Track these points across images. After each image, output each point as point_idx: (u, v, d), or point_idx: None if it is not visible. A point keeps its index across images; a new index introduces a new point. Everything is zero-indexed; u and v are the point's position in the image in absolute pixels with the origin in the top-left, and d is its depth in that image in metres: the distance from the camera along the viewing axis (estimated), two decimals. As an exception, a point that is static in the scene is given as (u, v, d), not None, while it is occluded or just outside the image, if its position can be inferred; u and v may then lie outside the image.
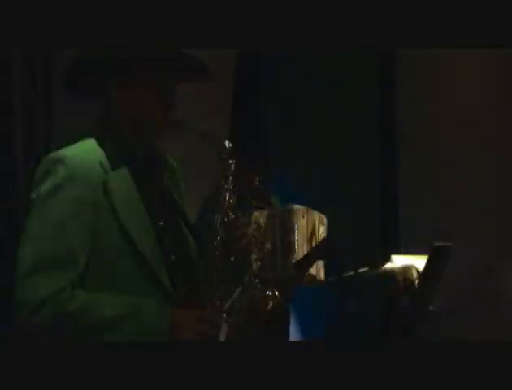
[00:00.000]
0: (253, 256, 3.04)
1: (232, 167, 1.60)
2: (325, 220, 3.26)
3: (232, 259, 1.59)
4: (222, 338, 1.48)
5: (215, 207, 1.60)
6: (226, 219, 1.58)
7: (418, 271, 3.08)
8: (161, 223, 1.58)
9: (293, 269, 2.82)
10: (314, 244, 3.11)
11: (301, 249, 3.02)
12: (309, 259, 2.82)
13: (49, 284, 1.41)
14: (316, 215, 3.19)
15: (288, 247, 3.01)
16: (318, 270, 3.07)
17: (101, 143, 1.56)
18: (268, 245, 3.02)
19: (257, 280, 2.55)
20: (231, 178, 1.60)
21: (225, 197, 1.59)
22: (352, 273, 2.93)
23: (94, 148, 1.55)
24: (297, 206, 3.11)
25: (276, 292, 1.60)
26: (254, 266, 2.85)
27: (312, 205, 3.26)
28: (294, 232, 3.03)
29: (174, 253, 1.58)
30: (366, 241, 4.26)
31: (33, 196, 1.50)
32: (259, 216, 3.17)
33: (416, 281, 2.99)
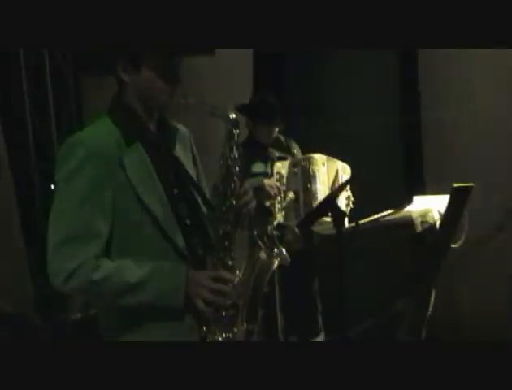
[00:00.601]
0: (277, 205, 3.17)
1: (236, 137, 1.68)
2: (348, 169, 3.33)
3: (239, 224, 1.68)
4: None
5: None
6: (232, 187, 1.67)
7: (439, 212, 3.16)
8: (175, 192, 1.70)
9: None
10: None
11: (322, 196, 3.11)
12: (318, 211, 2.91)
13: (76, 257, 1.56)
14: (338, 164, 3.26)
15: (310, 194, 3.11)
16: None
17: (115, 122, 1.67)
18: (291, 194, 3.12)
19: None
20: (235, 147, 1.68)
21: (229, 166, 1.68)
22: (369, 219, 3.03)
23: (110, 127, 1.67)
24: (317, 155, 3.19)
25: (283, 251, 1.70)
26: (278, 215, 2.98)
27: (335, 153, 3.32)
28: (315, 180, 3.12)
29: (189, 219, 1.70)
30: (391, 183, 4.31)
31: (57, 177, 1.64)
32: (281, 166, 3.27)
33: (437, 222, 3.07)
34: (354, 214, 3.24)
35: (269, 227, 2.72)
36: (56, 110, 5.10)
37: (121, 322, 1.64)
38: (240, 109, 3.43)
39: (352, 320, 3.48)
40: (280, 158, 3.35)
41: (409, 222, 2.78)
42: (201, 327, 1.61)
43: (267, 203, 3.13)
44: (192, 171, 1.80)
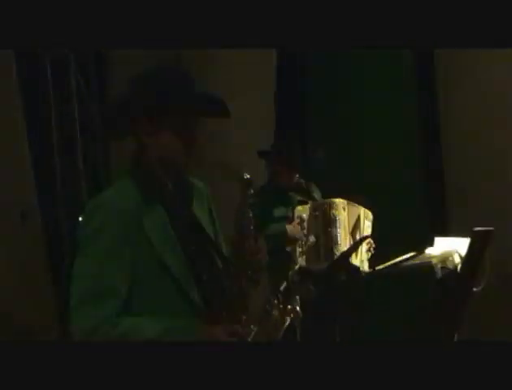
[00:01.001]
0: (298, 249, 3.21)
1: (250, 197, 1.75)
2: (371, 216, 3.36)
3: (253, 280, 1.74)
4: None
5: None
6: (247, 245, 1.73)
7: (459, 255, 3.16)
8: (192, 248, 1.76)
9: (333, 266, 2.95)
10: (357, 236, 3.23)
11: (343, 241, 3.15)
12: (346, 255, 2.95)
13: (97, 314, 1.63)
14: (360, 209, 3.29)
15: (330, 239, 3.14)
16: (362, 262, 3.19)
17: (135, 183, 1.75)
18: (312, 238, 3.16)
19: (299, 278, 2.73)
20: (249, 206, 1.75)
21: (243, 225, 1.74)
22: (389, 265, 3.05)
23: (130, 188, 1.74)
24: (337, 199, 3.23)
25: (297, 307, 1.74)
26: (300, 258, 3.02)
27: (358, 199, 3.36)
28: (335, 224, 3.16)
29: (205, 274, 1.76)
30: (413, 224, 4.32)
31: (79, 237, 1.73)
32: (302, 210, 3.32)
33: (458, 265, 3.07)
34: (378, 255, 3.28)
35: (291, 273, 2.76)
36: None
37: None
38: (261, 154, 3.54)
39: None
40: (301, 202, 3.40)
41: (428, 268, 2.80)
42: None
43: (288, 248, 3.18)
44: (209, 227, 1.87)
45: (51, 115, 4.65)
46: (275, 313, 1.71)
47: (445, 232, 3.75)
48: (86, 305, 1.64)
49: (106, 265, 1.66)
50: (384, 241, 3.54)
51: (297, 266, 2.86)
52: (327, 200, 3.28)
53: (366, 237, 3.11)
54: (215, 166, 1.80)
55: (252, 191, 1.75)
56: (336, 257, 3.13)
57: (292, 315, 1.74)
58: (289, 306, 1.75)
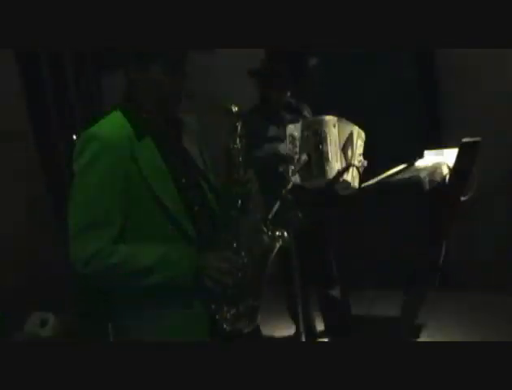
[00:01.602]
0: (291, 167, 3.27)
1: (239, 129, 1.81)
2: (363, 135, 3.39)
3: (243, 210, 1.82)
4: None
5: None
6: (236, 176, 1.81)
7: (448, 167, 3.24)
8: (183, 181, 1.84)
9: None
10: (348, 152, 3.28)
11: (334, 157, 3.19)
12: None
13: (94, 243, 1.71)
14: (352, 127, 3.31)
15: (321, 156, 3.19)
16: (353, 178, 3.27)
17: (127, 117, 1.81)
18: (304, 156, 3.21)
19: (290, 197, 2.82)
20: (238, 138, 1.81)
21: (233, 156, 1.81)
22: (379, 179, 3.13)
23: (122, 122, 1.80)
24: (327, 117, 3.24)
25: (285, 233, 1.84)
26: (292, 177, 3.09)
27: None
28: (326, 141, 3.19)
29: (197, 205, 1.85)
30: (405, 137, 4.35)
31: (74, 168, 1.78)
32: (293, 129, 3.34)
33: (445, 179, 3.16)
34: (370, 167, 3.35)
35: (284, 191, 2.83)
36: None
37: (133, 311, 1.80)
38: (252, 73, 3.52)
39: (368, 269, 3.68)
40: (292, 121, 3.42)
41: (417, 183, 2.88)
42: (211, 305, 1.78)
43: (281, 168, 3.24)
44: (198, 159, 1.93)
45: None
46: (265, 239, 1.80)
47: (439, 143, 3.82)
48: (83, 235, 1.71)
49: (102, 194, 1.72)
50: (376, 158, 3.62)
51: (289, 185, 2.91)
52: (318, 117, 3.28)
53: (347, 168, 3.13)
54: (204, 99, 1.82)
55: (240, 122, 1.80)
56: (327, 173, 3.19)
57: (280, 241, 1.83)
58: (278, 232, 1.85)
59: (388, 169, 3.41)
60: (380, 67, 4.48)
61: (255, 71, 3.47)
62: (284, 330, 4.00)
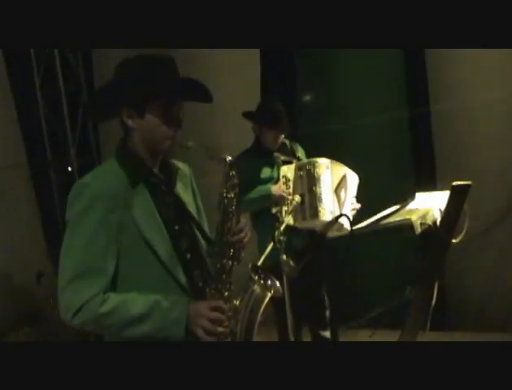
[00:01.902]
0: (284, 208, 3.31)
1: (233, 179, 1.83)
2: (356, 178, 3.43)
3: (235, 258, 1.84)
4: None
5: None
6: (229, 225, 1.82)
7: (440, 210, 3.27)
8: (176, 228, 1.85)
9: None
10: (341, 194, 3.32)
11: (328, 199, 3.24)
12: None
13: (84, 292, 1.71)
14: (345, 169, 3.36)
15: (315, 197, 3.24)
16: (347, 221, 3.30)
17: (121, 165, 1.82)
18: (297, 198, 3.25)
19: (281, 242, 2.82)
20: (231, 188, 1.83)
21: (226, 206, 1.83)
22: (370, 222, 3.16)
23: (116, 170, 1.82)
24: (321, 159, 3.30)
25: (277, 282, 1.85)
26: (286, 217, 3.12)
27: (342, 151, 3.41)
28: (319, 183, 3.24)
29: (189, 253, 1.86)
30: (399, 179, 4.40)
31: (67, 217, 1.80)
32: (287, 170, 3.40)
33: (436, 221, 3.19)
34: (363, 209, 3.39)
35: (276, 233, 2.86)
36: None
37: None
38: (247, 115, 3.57)
39: (362, 310, 3.68)
40: (286, 162, 3.47)
41: (408, 225, 2.90)
42: None
43: (274, 210, 3.27)
44: (192, 208, 1.95)
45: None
46: (257, 289, 1.82)
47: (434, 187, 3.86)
48: (74, 284, 1.72)
49: (93, 245, 1.73)
50: (370, 200, 3.66)
51: (282, 226, 2.94)
52: (311, 159, 3.35)
53: (337, 218, 3.18)
54: (199, 149, 1.84)
55: (234, 172, 1.82)
56: (320, 214, 3.23)
57: (272, 291, 1.85)
58: (269, 281, 1.86)
59: (380, 210, 3.46)
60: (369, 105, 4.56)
61: (250, 112, 3.53)
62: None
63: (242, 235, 1.85)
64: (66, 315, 1.73)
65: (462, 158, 4.29)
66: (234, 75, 4.38)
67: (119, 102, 1.80)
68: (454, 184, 3.16)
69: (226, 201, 1.83)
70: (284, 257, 2.86)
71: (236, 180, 1.83)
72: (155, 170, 1.88)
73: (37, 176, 5.67)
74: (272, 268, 2.89)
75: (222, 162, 1.82)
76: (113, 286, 1.77)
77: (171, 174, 1.92)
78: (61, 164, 5.74)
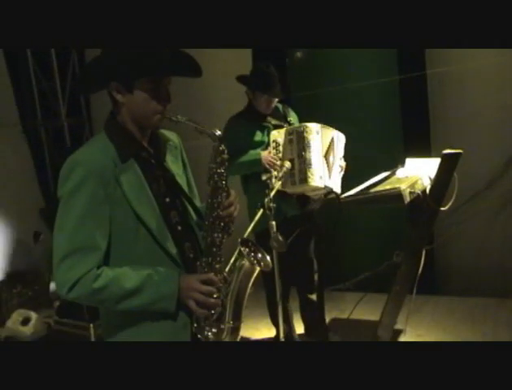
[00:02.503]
0: (274, 173, 3.30)
1: (222, 153, 1.81)
2: (343, 138, 3.42)
3: (225, 232, 1.84)
4: None
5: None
6: (218, 199, 1.82)
7: (429, 178, 3.29)
8: (167, 200, 1.86)
9: None
10: (330, 158, 3.31)
11: (317, 164, 3.23)
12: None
13: (79, 267, 1.73)
14: (333, 132, 3.35)
15: (304, 162, 3.23)
16: (335, 184, 3.32)
17: (111, 140, 1.81)
18: (287, 164, 3.24)
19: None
20: (221, 162, 1.81)
21: (216, 180, 1.82)
22: (360, 189, 3.17)
23: (106, 145, 1.80)
24: (311, 124, 3.27)
25: (267, 256, 1.87)
26: (275, 183, 3.11)
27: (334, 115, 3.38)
28: (309, 148, 3.23)
29: (180, 225, 1.87)
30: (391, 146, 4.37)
31: (59, 194, 1.79)
32: (277, 135, 3.38)
33: (425, 190, 3.21)
34: (353, 174, 3.39)
35: (266, 199, 2.86)
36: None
37: (119, 322, 1.82)
38: (240, 79, 3.52)
39: (350, 273, 3.73)
40: (277, 127, 3.45)
41: (398, 195, 2.92)
42: (193, 324, 1.80)
43: (264, 177, 3.26)
44: (182, 179, 1.95)
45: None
46: (246, 262, 1.83)
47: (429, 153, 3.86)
48: (68, 260, 1.73)
49: (86, 220, 1.73)
50: (359, 162, 3.66)
51: (272, 193, 2.93)
52: (302, 124, 3.32)
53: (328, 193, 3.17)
54: (189, 123, 1.80)
55: (223, 147, 1.81)
56: (309, 179, 3.22)
57: (262, 264, 1.86)
58: (259, 254, 1.87)
59: (371, 176, 3.47)
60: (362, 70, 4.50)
61: (244, 76, 3.48)
62: (265, 332, 4.06)
63: (232, 209, 1.85)
64: (61, 290, 1.75)
65: (455, 122, 4.28)
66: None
67: (108, 77, 1.78)
68: (445, 152, 3.18)
69: (216, 176, 1.82)
70: (274, 223, 2.89)
71: (225, 155, 1.82)
72: (145, 143, 1.87)
73: (29, 136, 5.65)
74: (262, 234, 2.96)
75: (211, 137, 1.81)
76: (106, 260, 1.78)
77: (160, 147, 1.91)
78: (52, 124, 5.70)
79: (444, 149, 3.18)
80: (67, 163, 1.78)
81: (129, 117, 1.81)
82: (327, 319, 3.98)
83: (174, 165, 1.94)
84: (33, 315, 4.31)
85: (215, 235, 1.82)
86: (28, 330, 4.23)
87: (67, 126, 5.72)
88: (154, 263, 1.79)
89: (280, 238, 2.61)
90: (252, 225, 2.81)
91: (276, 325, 3.53)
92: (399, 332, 3.80)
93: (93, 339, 3.94)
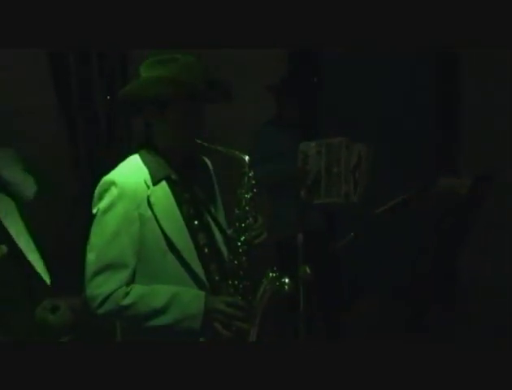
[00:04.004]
0: (302, 185, 3.33)
1: (250, 178, 1.87)
2: (372, 153, 3.43)
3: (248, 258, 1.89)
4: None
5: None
6: (246, 222, 1.88)
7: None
8: (195, 223, 1.91)
9: None
10: (356, 173, 3.33)
11: (343, 179, 3.26)
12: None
13: (108, 284, 1.79)
14: (360, 145, 3.36)
15: (332, 177, 3.26)
16: (359, 198, 3.34)
17: (144, 161, 1.88)
18: (315, 176, 3.27)
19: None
20: (249, 187, 1.87)
21: (244, 205, 1.88)
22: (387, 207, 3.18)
23: (139, 166, 1.87)
24: (340, 138, 3.30)
25: (291, 280, 1.90)
26: (303, 195, 3.15)
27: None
28: (337, 163, 3.26)
29: (207, 247, 1.92)
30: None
31: (94, 211, 1.86)
32: (306, 146, 3.39)
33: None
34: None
35: (293, 211, 2.89)
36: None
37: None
38: (270, 88, 3.55)
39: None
40: (305, 137, 3.47)
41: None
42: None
43: (291, 188, 3.31)
44: (211, 203, 2.00)
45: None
46: (271, 286, 1.86)
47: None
48: (98, 277, 1.80)
49: (117, 238, 1.80)
50: (388, 177, 3.66)
51: (299, 204, 2.96)
52: (332, 138, 3.34)
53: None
54: (218, 149, 1.87)
55: (252, 173, 1.87)
56: (335, 195, 3.26)
57: (286, 287, 1.89)
58: (285, 279, 1.90)
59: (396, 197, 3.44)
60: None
61: (274, 85, 3.51)
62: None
63: (260, 231, 1.91)
64: (91, 306, 1.82)
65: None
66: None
67: (142, 101, 1.85)
68: (477, 176, 3.16)
69: (244, 201, 1.88)
70: (301, 236, 2.94)
71: (253, 181, 1.88)
72: (176, 167, 1.92)
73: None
74: (286, 245, 3.00)
75: (240, 162, 1.87)
76: (135, 278, 1.84)
77: (191, 170, 1.97)
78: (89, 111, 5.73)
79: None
80: (102, 183, 1.86)
81: (162, 140, 1.88)
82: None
83: (204, 188, 1.99)
84: (63, 304, 4.41)
85: (243, 258, 1.87)
86: (56, 318, 4.34)
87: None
88: (181, 283, 1.85)
89: (308, 270, 2.66)
90: (280, 240, 2.84)
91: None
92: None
93: (118, 330, 4.05)
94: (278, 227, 2.99)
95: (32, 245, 2.93)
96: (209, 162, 2.08)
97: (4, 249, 2.79)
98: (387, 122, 4.31)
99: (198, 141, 1.87)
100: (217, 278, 1.92)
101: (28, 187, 3.00)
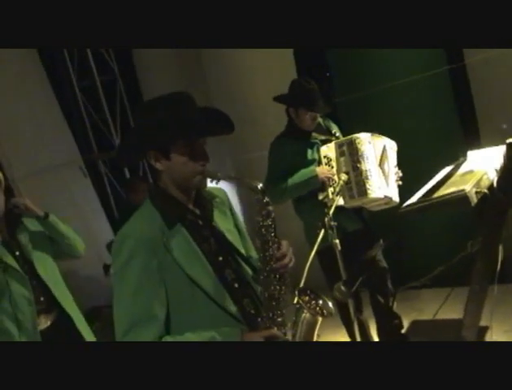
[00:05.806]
0: (331, 190, 3.20)
1: (269, 206, 1.78)
2: (394, 145, 3.28)
3: (281, 283, 1.79)
4: None
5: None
6: (270, 252, 1.77)
7: (495, 169, 3.08)
8: (220, 259, 1.83)
9: None
10: (385, 167, 3.18)
11: (373, 174, 3.12)
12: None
13: (140, 340, 1.72)
14: (384, 140, 3.22)
15: (360, 174, 3.12)
16: (395, 193, 3.19)
17: (156, 207, 1.82)
18: (344, 176, 3.12)
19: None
20: (267, 215, 1.77)
21: (264, 234, 1.78)
22: (423, 196, 3.01)
23: (152, 213, 1.81)
24: (362, 134, 3.15)
25: (329, 303, 1.80)
26: (334, 199, 3.01)
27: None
28: (364, 159, 3.11)
29: (236, 282, 1.83)
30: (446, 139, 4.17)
31: (113, 269, 1.80)
32: (327, 150, 3.28)
33: (492, 184, 3.01)
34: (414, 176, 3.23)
35: (326, 219, 2.77)
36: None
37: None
38: (279, 98, 3.42)
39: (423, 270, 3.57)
40: (324, 142, 3.34)
41: (463, 198, 2.74)
42: None
43: (320, 196, 3.18)
44: (233, 235, 1.92)
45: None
46: (307, 314, 1.77)
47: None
48: (130, 334, 1.73)
49: (141, 292, 1.73)
50: (418, 162, 3.51)
51: (331, 210, 2.83)
52: (351, 136, 3.20)
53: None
54: (229, 178, 1.82)
55: (267, 199, 1.78)
56: (368, 191, 3.12)
57: (324, 313, 1.80)
58: (320, 301, 1.81)
59: (432, 175, 3.29)
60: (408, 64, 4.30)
61: (283, 95, 3.38)
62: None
63: (286, 260, 1.80)
64: None
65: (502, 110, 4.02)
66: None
67: (144, 148, 1.80)
68: (509, 140, 2.97)
69: (263, 229, 1.78)
70: (337, 242, 2.82)
71: (270, 207, 1.78)
72: (190, 206, 1.86)
73: (89, 170, 5.80)
74: (325, 252, 2.87)
75: (254, 190, 1.77)
76: (167, 328, 1.77)
77: (206, 206, 1.89)
78: (108, 155, 5.83)
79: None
80: (117, 238, 1.80)
81: (171, 182, 1.82)
82: (406, 322, 3.84)
83: (223, 221, 1.91)
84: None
85: (272, 288, 1.78)
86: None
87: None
88: (215, 324, 1.76)
89: (343, 288, 2.53)
90: (315, 249, 2.73)
91: (349, 327, 3.42)
92: (484, 330, 3.63)
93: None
94: (311, 237, 2.86)
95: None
96: (224, 192, 1.99)
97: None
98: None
99: (207, 176, 1.80)
100: (252, 312, 1.83)
101: (79, 243, 2.99)
